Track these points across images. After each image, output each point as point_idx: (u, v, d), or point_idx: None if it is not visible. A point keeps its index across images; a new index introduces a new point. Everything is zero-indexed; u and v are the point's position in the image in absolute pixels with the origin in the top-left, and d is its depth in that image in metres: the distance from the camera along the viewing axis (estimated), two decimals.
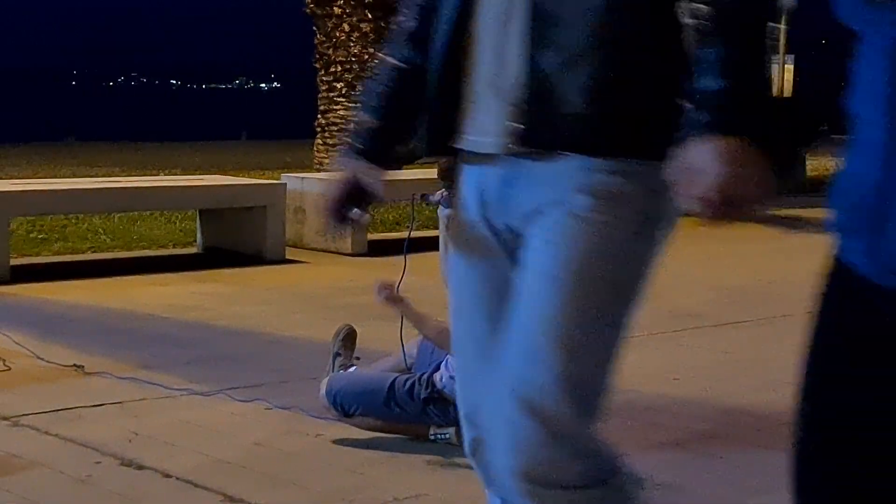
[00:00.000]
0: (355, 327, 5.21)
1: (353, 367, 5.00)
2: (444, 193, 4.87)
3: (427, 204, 5.32)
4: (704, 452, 4.63)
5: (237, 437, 4.77)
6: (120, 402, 5.27)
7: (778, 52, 18.87)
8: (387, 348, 5.20)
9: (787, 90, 23.09)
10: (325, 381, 4.85)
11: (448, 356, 4.64)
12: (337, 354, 5.07)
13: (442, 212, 4.91)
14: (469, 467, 4.28)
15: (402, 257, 4.89)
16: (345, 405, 4.73)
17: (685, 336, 7.02)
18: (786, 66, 20.21)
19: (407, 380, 4.67)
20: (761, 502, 4.13)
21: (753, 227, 12.77)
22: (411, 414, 4.65)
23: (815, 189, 17.58)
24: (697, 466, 4.46)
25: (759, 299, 8.34)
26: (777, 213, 14.03)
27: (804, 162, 18.73)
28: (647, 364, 6.24)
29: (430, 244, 5.17)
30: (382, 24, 18.66)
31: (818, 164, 21.13)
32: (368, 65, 18.87)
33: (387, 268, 5.33)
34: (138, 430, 4.83)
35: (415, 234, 5.60)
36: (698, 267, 9.99)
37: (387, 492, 4.09)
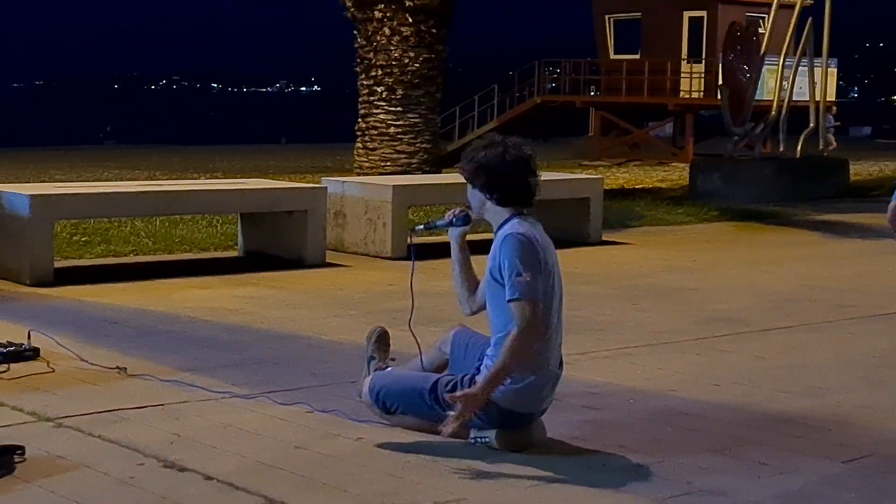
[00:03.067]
0: (388, 329, 5.19)
1: (389, 369, 5.01)
2: (458, 212, 4.86)
3: (427, 230, 5.24)
4: (745, 458, 4.60)
5: (278, 440, 4.77)
6: (162, 405, 5.29)
7: (821, 56, 18.70)
8: (427, 347, 5.20)
9: (831, 94, 22.95)
10: (368, 379, 4.87)
11: (486, 356, 4.64)
12: (371, 358, 5.06)
13: (454, 233, 4.86)
14: (509, 471, 4.31)
15: (440, 260, 4.89)
16: (387, 402, 4.76)
17: (725, 342, 6.97)
18: (829, 69, 20.02)
19: (449, 381, 4.67)
20: None
21: (794, 232, 12.73)
22: None
23: (858, 194, 17.46)
24: (739, 473, 4.43)
25: (799, 305, 8.27)
26: (819, 217, 13.97)
27: (847, 167, 18.56)
28: (687, 370, 6.23)
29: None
30: (423, 29, 18.71)
31: (861, 170, 20.96)
32: (408, 69, 18.91)
33: (426, 271, 5.32)
34: (180, 432, 4.85)
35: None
36: (739, 272, 9.97)
37: (426, 496, 4.09)
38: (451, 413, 4.54)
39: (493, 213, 4.68)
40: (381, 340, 5.11)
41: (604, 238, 11.69)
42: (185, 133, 57.08)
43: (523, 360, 4.47)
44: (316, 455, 4.56)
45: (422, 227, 5.08)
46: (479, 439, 4.61)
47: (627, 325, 7.35)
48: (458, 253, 4.85)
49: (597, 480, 4.30)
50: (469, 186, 4.71)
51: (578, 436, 4.85)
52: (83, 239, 10.75)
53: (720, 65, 19.54)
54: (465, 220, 4.81)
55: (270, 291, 8.52)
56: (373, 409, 4.81)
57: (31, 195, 8.71)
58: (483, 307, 4.79)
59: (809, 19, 18.14)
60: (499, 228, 4.63)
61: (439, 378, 4.70)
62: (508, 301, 4.46)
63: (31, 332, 6.36)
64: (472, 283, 4.86)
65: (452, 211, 4.86)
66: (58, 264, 9.00)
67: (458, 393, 4.45)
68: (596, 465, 4.50)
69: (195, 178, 19.95)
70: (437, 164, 19.35)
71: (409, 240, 5.05)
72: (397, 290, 5.28)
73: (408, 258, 5.15)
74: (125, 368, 5.92)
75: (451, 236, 4.86)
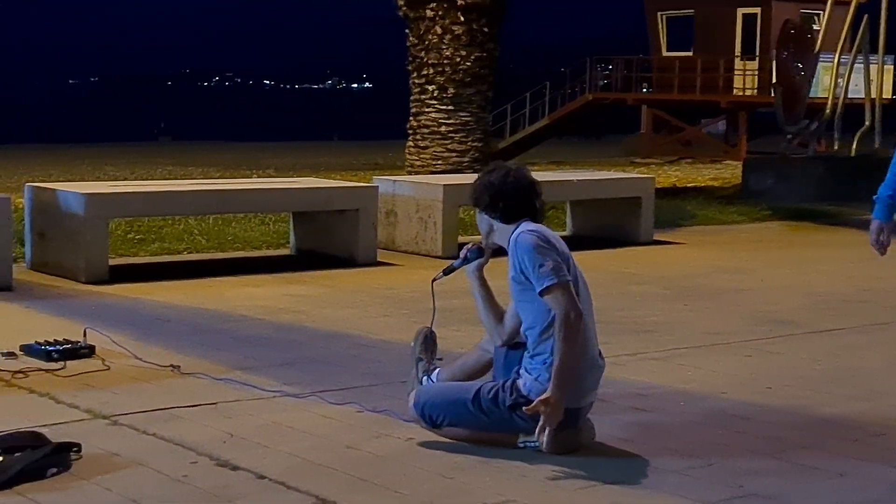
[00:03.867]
0: (436, 329, 5.22)
1: (437, 370, 5.03)
2: (470, 248, 4.89)
3: (447, 275, 5.24)
4: (798, 463, 4.58)
5: (329, 440, 4.80)
6: (215, 403, 5.33)
7: (877, 53, 18.50)
8: (467, 349, 5.21)
9: (888, 92, 22.70)
10: (413, 393, 4.88)
11: (525, 360, 4.65)
12: (419, 359, 5.10)
13: (469, 269, 4.87)
14: (558, 473, 4.32)
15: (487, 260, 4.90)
16: (433, 416, 4.74)
17: (778, 343, 6.94)
18: (885, 66, 19.82)
19: (491, 388, 4.68)
20: None
21: (848, 232, 12.61)
22: (498, 421, 4.65)
23: None
24: (791, 477, 4.41)
25: (852, 307, 8.21)
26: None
27: None
28: (738, 371, 6.20)
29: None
30: (475, 27, 18.69)
31: None
32: (460, 67, 18.91)
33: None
34: (233, 430, 4.88)
35: None
36: (790, 273, 9.90)
37: (476, 497, 4.10)
38: (494, 412, 4.59)
39: (501, 232, 4.71)
40: (428, 341, 5.14)
41: (655, 238, 11.64)
42: (237, 129, 57.41)
43: (578, 343, 4.47)
44: (367, 455, 4.59)
45: (441, 274, 5.09)
46: (528, 443, 4.62)
47: (678, 325, 7.33)
48: (479, 288, 4.88)
49: (646, 483, 4.30)
50: (476, 213, 4.77)
51: (627, 438, 4.85)
52: (137, 237, 10.85)
53: (774, 62, 19.41)
54: (478, 252, 4.86)
55: (322, 290, 8.57)
56: (420, 424, 4.81)
57: (86, 194, 8.80)
58: (514, 334, 4.81)
59: (865, 16, 17.95)
60: (509, 240, 4.65)
61: (481, 386, 4.70)
62: (540, 294, 4.47)
63: (87, 330, 6.44)
64: (497, 313, 4.87)
65: (465, 248, 4.91)
66: (112, 262, 9.09)
67: (535, 402, 4.43)
68: (644, 467, 4.49)
69: (248, 175, 20.06)
70: (488, 162, 19.32)
71: (431, 286, 5.09)
72: (447, 290, 5.28)
73: (441, 279, 5.15)
74: (179, 366, 5.98)
75: (468, 273, 4.89)
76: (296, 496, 4.11)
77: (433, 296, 5.05)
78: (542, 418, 4.40)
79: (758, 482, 4.31)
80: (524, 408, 4.49)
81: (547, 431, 4.42)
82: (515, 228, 4.65)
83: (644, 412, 5.31)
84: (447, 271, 5.06)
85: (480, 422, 4.67)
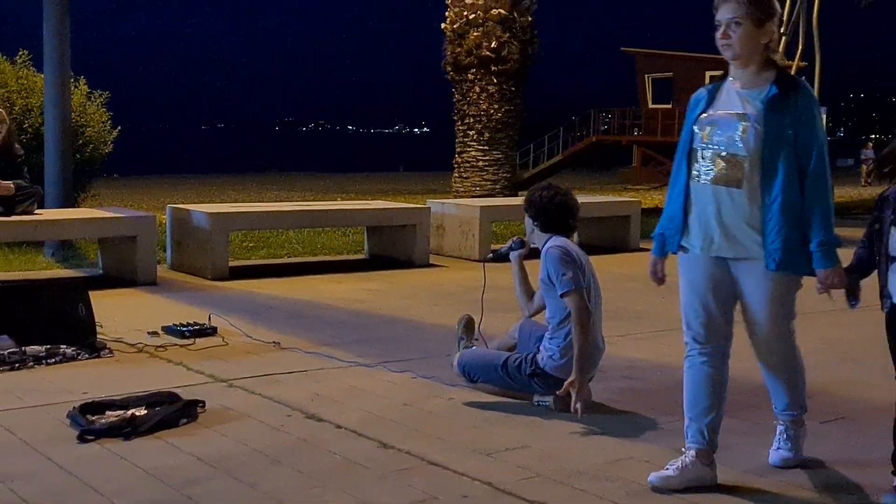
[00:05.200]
0: (475, 317, 5.23)
1: (473, 348, 5.04)
2: (515, 240, 4.91)
3: (495, 259, 5.24)
4: (745, 419, 4.49)
5: (390, 399, 4.80)
6: (305, 371, 5.35)
7: None
8: (500, 332, 5.22)
9: None
10: (456, 356, 4.91)
11: (546, 338, 4.64)
12: (461, 338, 5.11)
13: (513, 255, 4.91)
14: (563, 426, 4.29)
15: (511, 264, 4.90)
16: (471, 373, 4.80)
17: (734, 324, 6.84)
18: (820, 114, 19.56)
19: (517, 358, 4.68)
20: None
21: None
22: (520, 384, 4.67)
23: (841, 213, 16.99)
24: (739, 430, 4.31)
25: None
26: None
27: (833, 191, 18.09)
28: None
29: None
30: (505, 87, 18.68)
31: (844, 192, 20.41)
32: (493, 118, 18.91)
33: (505, 270, 5.32)
34: (319, 391, 4.91)
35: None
36: None
37: (500, 443, 4.10)
38: (517, 378, 4.61)
39: (538, 237, 4.73)
40: (468, 326, 5.17)
41: (641, 246, 11.54)
42: (327, 162, 57.70)
43: (590, 334, 4.46)
44: (419, 410, 4.60)
45: (491, 255, 5.21)
46: (540, 402, 4.62)
47: (658, 313, 7.28)
48: (518, 270, 4.92)
49: (630, 433, 4.29)
50: (526, 215, 4.76)
51: (618, 399, 4.83)
52: (251, 245, 10.92)
53: None
54: (520, 244, 4.93)
55: (387, 285, 8.57)
56: (460, 378, 4.87)
57: (212, 213, 8.87)
58: (538, 310, 4.86)
59: (803, 77, 17.74)
60: (542, 248, 4.65)
61: (509, 356, 4.73)
62: (561, 296, 4.47)
63: (211, 315, 6.49)
64: (529, 292, 4.91)
65: (511, 240, 4.95)
66: (231, 264, 9.15)
67: (566, 384, 4.42)
68: (630, 421, 4.48)
69: (334, 198, 20.13)
70: (515, 188, 19.34)
71: (483, 266, 5.18)
72: (482, 286, 5.27)
73: (490, 261, 5.21)
74: (279, 343, 6.01)
75: (511, 258, 4.94)
76: (365, 442, 4.12)
77: (484, 272, 5.14)
78: (573, 395, 4.38)
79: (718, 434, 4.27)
80: (557, 392, 4.50)
81: (580, 404, 4.39)
82: (548, 239, 4.64)
83: (631, 380, 5.29)
84: (496, 255, 5.13)
85: (506, 383, 4.70)
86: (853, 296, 3.62)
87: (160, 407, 4.36)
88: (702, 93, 3.75)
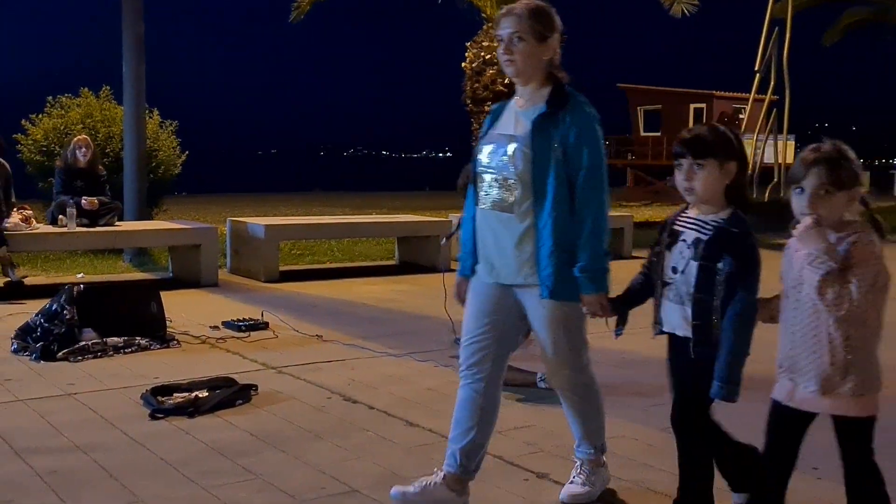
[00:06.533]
0: None
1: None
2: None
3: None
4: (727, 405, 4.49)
5: (417, 384, 4.80)
6: (343, 360, 5.35)
7: (782, 133, 18.17)
8: None
9: (790, 158, 22.24)
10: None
11: None
12: (457, 339, 5.07)
13: (443, 242, 4.83)
14: (563, 409, 4.26)
15: None
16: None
17: None
18: (788, 142, 19.44)
19: None
20: None
21: (762, 252, 12.33)
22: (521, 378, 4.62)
23: None
24: (718, 411, 4.32)
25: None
26: (778, 242, 13.55)
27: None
28: None
29: None
30: None
31: None
32: None
33: None
34: (354, 378, 4.91)
35: None
36: None
37: (508, 422, 4.07)
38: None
39: None
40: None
41: (633, 255, 11.50)
42: (365, 183, 57.77)
43: None
44: (440, 395, 4.59)
45: (453, 231, 5.08)
46: (544, 383, 4.58)
47: (647, 312, 7.22)
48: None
49: (622, 414, 4.25)
50: None
51: (612, 384, 4.78)
52: (298, 252, 10.94)
53: None
54: None
55: (414, 287, 8.56)
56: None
57: (265, 225, 8.91)
58: None
59: (774, 109, 17.66)
60: None
61: None
62: None
63: (264, 312, 6.52)
64: None
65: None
66: (281, 268, 9.18)
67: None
68: (622, 403, 4.44)
69: (369, 213, 20.11)
70: None
71: (442, 275, 5.02)
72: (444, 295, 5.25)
73: (452, 236, 5.18)
74: (321, 336, 6.02)
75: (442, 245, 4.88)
76: (393, 420, 4.13)
77: (444, 283, 5.12)
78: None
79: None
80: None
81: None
82: None
83: (623, 369, 5.26)
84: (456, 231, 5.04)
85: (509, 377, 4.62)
86: (620, 324, 3.09)
87: (219, 390, 4.39)
88: (492, 112, 3.11)
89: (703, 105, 30.15)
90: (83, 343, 5.33)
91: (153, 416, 4.09)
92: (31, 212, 8.18)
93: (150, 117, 12.19)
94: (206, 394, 4.32)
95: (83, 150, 8.66)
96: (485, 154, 2.99)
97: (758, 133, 17.72)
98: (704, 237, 2.66)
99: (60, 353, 5.22)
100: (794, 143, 28.00)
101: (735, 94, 28.69)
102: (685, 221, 2.74)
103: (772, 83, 17.17)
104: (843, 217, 2.44)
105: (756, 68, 17.13)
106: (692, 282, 2.65)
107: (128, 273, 9.13)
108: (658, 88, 33.20)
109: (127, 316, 5.67)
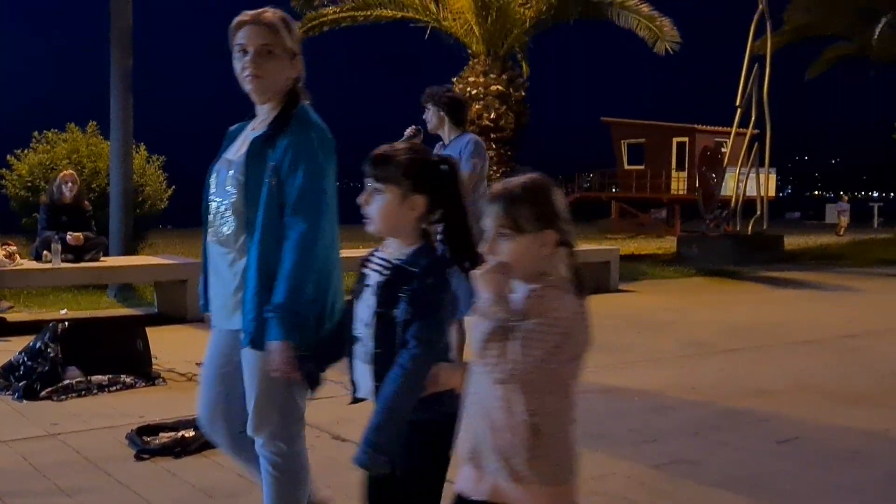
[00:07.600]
0: None
1: None
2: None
3: None
4: (713, 439, 4.47)
5: None
6: (331, 397, 5.23)
7: (764, 166, 18.34)
8: None
9: (771, 191, 22.43)
10: None
11: None
12: None
13: None
14: None
15: None
16: None
17: (698, 358, 6.80)
18: (769, 175, 19.61)
19: None
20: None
21: (747, 284, 12.40)
22: None
23: (791, 259, 16.99)
24: (708, 448, 4.29)
25: (750, 333, 8.03)
26: (763, 274, 13.63)
27: (783, 240, 18.10)
28: (672, 377, 6.08)
29: None
30: (502, 151, 18.70)
31: (792, 241, 20.39)
32: (493, 178, 18.94)
33: None
34: (342, 415, 4.76)
35: None
36: (709, 311, 9.74)
37: None
38: None
39: None
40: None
41: (620, 288, 11.53)
42: (346, 215, 57.84)
43: None
44: None
45: None
46: None
47: (633, 346, 7.23)
48: None
49: (611, 451, 4.22)
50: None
51: (597, 422, 4.76)
52: None
53: (697, 173, 19.30)
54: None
55: None
56: None
57: None
58: None
59: (756, 143, 17.83)
60: None
61: None
62: None
63: None
64: None
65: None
66: None
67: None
68: (610, 440, 4.42)
69: (368, 246, 20.04)
70: None
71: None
72: None
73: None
74: None
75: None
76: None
77: None
78: None
79: (686, 452, 4.23)
80: None
81: None
82: None
83: (609, 404, 5.24)
84: None
85: None
86: (311, 386, 2.66)
87: None
88: (227, 134, 2.68)
89: (686, 139, 30.46)
90: (67, 381, 5.27)
91: (139, 457, 4.02)
92: (14, 247, 8.13)
93: (137, 152, 12.18)
94: (193, 433, 4.23)
95: (69, 184, 8.63)
96: (211, 180, 2.60)
97: (740, 166, 17.84)
98: (382, 280, 2.16)
99: (44, 392, 5.15)
100: (775, 175, 28.32)
101: (717, 128, 29.00)
102: (373, 262, 2.24)
103: (752, 118, 17.35)
104: (539, 267, 1.92)
105: (737, 103, 17.31)
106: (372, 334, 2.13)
107: (112, 308, 9.03)
108: (642, 122, 33.56)
109: (112, 353, 5.60)
